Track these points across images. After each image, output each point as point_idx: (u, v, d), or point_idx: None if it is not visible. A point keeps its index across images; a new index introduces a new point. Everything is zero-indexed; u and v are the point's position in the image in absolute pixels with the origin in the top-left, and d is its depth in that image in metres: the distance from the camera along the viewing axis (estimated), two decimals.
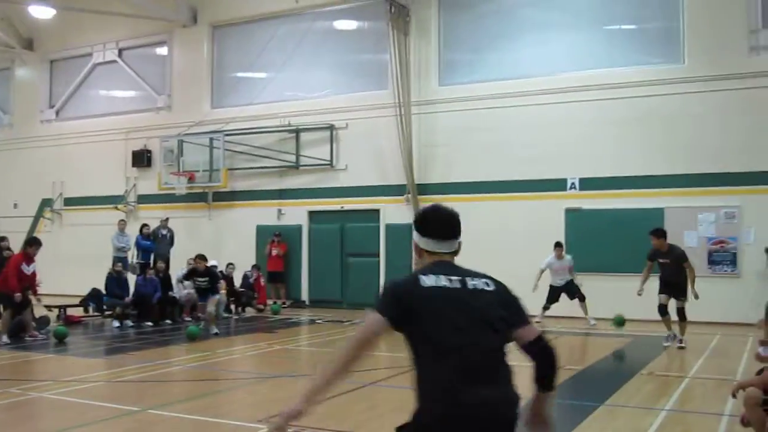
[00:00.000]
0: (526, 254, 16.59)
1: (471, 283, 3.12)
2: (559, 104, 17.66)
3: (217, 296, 15.45)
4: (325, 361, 2.90)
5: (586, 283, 15.90)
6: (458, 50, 19.29)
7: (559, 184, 17.69)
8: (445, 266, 3.19)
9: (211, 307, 14.76)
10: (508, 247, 17.39)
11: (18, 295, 13.31)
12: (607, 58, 17.55)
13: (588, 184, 17.45)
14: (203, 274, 15.08)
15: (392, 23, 19.17)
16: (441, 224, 3.31)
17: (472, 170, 18.50)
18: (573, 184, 17.60)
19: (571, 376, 10.14)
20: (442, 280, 3.08)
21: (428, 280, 3.06)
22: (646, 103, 16.89)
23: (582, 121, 17.46)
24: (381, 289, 3.21)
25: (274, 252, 20.16)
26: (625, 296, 16.48)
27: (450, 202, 16.61)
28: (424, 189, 18.77)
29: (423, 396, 2.96)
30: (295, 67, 21.03)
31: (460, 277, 3.11)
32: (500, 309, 3.09)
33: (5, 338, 13.24)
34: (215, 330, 14.55)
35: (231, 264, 18.84)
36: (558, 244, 15.70)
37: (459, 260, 3.31)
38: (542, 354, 3.19)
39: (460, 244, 3.32)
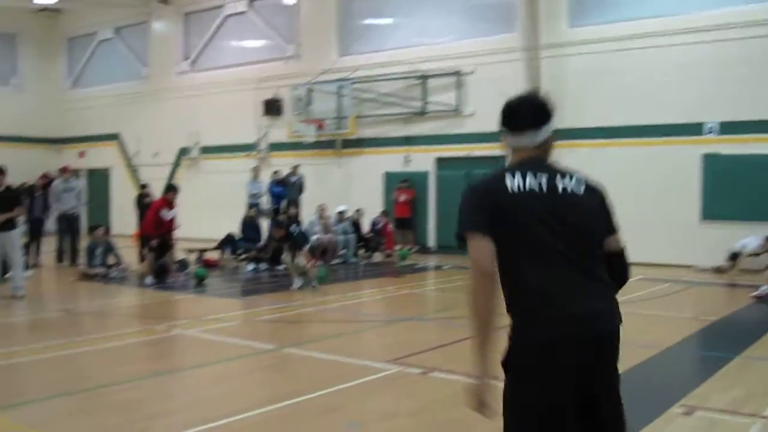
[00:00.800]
0: (660, 201, 16.03)
1: (562, 183, 2.91)
2: (698, 44, 16.75)
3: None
4: (469, 318, 2.76)
5: (723, 231, 15.21)
6: None
7: (695, 129, 16.89)
8: (533, 163, 2.95)
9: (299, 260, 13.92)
10: (641, 193, 16.82)
11: (154, 241, 14.06)
12: None
13: (727, 128, 16.57)
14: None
15: None
16: (522, 112, 3.04)
17: (604, 115, 17.91)
18: (711, 128, 16.76)
19: (704, 326, 9.83)
20: (529, 180, 2.86)
21: (513, 181, 2.86)
22: None
23: (721, 61, 16.52)
24: (464, 198, 3.02)
25: (402, 198, 20.33)
26: None
27: (581, 147, 16.45)
28: (553, 134, 18.32)
29: (524, 311, 2.79)
30: (422, 13, 20.87)
31: (548, 176, 2.90)
32: (595, 215, 2.94)
33: (150, 279, 14.03)
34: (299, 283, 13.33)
35: (359, 209, 19.17)
36: None
37: None
38: (619, 268, 3.00)
39: (551, 137, 3.05)
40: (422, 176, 20.68)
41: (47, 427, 5.55)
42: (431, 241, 20.61)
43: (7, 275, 12.45)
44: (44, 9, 28.54)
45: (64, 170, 17.87)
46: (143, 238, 14.49)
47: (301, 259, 13.90)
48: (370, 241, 19.06)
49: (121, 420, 5.63)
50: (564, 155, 18.39)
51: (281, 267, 15.62)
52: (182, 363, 8.03)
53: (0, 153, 23.29)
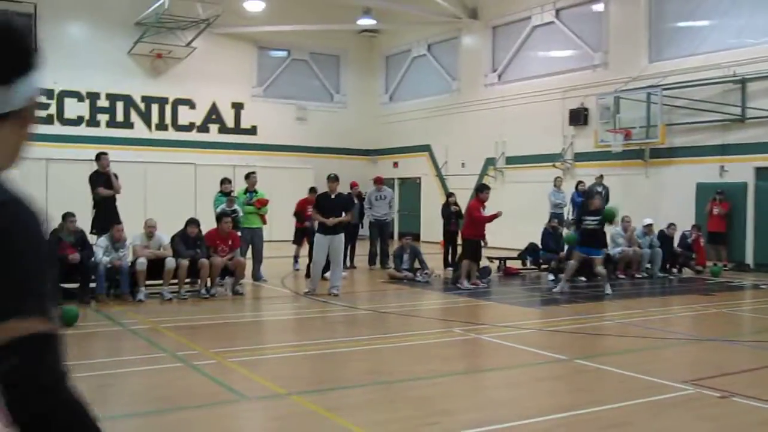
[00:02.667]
0: None
1: None
2: None
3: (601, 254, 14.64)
4: None
5: None
6: None
7: None
8: None
9: (599, 267, 14.29)
10: None
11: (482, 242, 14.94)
12: None
13: None
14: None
15: None
16: None
17: None
18: None
19: None
20: None
21: None
22: None
23: None
24: None
25: (716, 211, 19.02)
26: None
27: None
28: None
29: None
30: (740, 12, 19.40)
31: None
32: None
33: (466, 283, 14.56)
34: (608, 290, 14.00)
35: (672, 224, 18.16)
36: None
37: None
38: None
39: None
40: (740, 187, 19.19)
41: (345, 412, 6.06)
42: (749, 257, 19.04)
43: (326, 274, 13.69)
44: (365, 30, 30.78)
45: (377, 180, 19.16)
46: (469, 242, 15.01)
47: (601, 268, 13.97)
48: (680, 255, 18.08)
49: (413, 413, 5.98)
50: None
51: (583, 278, 15.49)
52: (476, 365, 8.29)
53: (326, 164, 25.72)
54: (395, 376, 7.30)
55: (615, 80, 21.66)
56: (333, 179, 13.50)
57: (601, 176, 19.75)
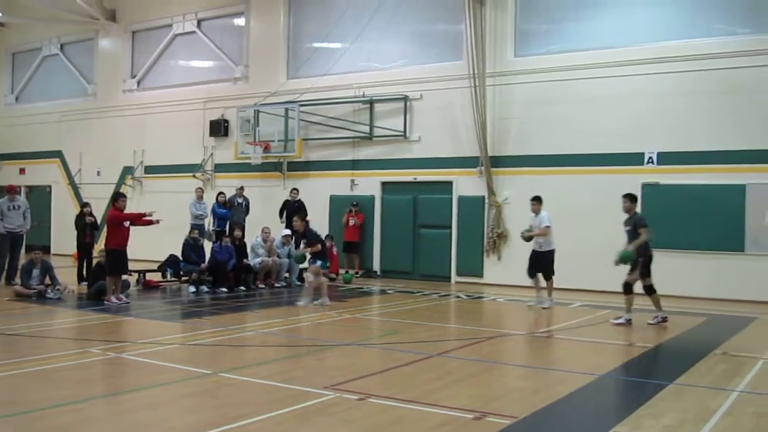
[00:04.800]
0: (601, 229, 16.29)
1: None
2: (639, 76, 17.21)
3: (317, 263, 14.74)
4: None
5: (664, 260, 15.56)
6: (535, 20, 18.93)
7: (636, 158, 17.27)
8: None
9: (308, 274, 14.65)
10: (583, 221, 17.11)
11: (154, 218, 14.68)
12: (690, 29, 16.96)
13: (666, 158, 16.98)
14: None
15: None
16: None
17: (547, 143, 18.23)
18: (651, 158, 17.15)
19: (641, 353, 9.99)
20: None
21: None
22: (731, 75, 16.28)
23: (661, 93, 16.98)
24: None
25: (351, 222, 20.32)
26: (702, 274, 16.14)
27: (524, 175, 16.72)
28: (497, 162, 18.63)
29: None
30: (370, 38, 21.02)
31: None
32: None
33: (113, 299, 13.71)
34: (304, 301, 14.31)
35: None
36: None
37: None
38: None
39: None
40: (368, 200, 20.73)
41: None
42: (376, 265, 20.62)
43: None
44: None
45: (11, 189, 17.38)
46: (112, 253, 14.02)
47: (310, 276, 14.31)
48: None
49: None
50: (508, 182, 18.70)
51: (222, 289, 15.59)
52: (117, 387, 7.83)
53: None
54: (27, 405, 6.64)
55: (255, 94, 22.18)
56: None
57: (242, 188, 20.04)
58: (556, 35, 18.67)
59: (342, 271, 19.52)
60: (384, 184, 20.67)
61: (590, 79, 17.72)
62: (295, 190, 20.23)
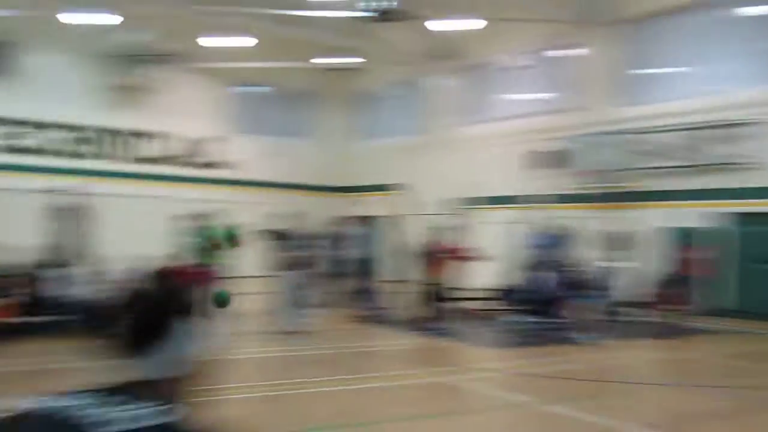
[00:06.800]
0: None
1: None
2: None
3: None
4: None
5: None
6: None
7: None
8: None
9: None
10: None
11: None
12: None
13: None
14: None
15: None
16: None
17: None
18: None
19: None
20: None
21: None
22: None
23: None
24: None
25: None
26: None
27: None
28: None
29: None
30: (706, 61, 19.77)
31: None
32: None
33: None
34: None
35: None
36: None
37: None
38: None
39: None
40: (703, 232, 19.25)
41: None
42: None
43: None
44: (333, 69, 30.42)
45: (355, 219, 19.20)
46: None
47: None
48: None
49: None
50: None
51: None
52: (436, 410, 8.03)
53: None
54: (362, 418, 7.07)
55: (585, 123, 21.82)
56: None
57: (559, 219, 19.85)
58: None
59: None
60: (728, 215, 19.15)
61: None
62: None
